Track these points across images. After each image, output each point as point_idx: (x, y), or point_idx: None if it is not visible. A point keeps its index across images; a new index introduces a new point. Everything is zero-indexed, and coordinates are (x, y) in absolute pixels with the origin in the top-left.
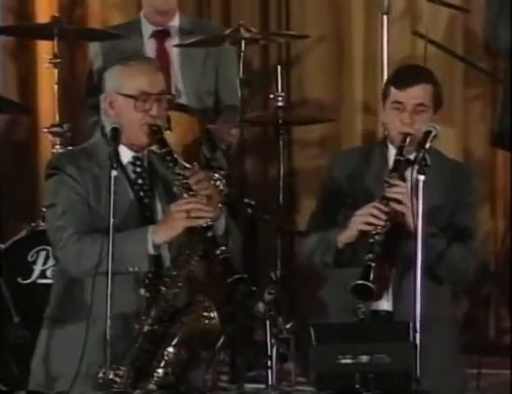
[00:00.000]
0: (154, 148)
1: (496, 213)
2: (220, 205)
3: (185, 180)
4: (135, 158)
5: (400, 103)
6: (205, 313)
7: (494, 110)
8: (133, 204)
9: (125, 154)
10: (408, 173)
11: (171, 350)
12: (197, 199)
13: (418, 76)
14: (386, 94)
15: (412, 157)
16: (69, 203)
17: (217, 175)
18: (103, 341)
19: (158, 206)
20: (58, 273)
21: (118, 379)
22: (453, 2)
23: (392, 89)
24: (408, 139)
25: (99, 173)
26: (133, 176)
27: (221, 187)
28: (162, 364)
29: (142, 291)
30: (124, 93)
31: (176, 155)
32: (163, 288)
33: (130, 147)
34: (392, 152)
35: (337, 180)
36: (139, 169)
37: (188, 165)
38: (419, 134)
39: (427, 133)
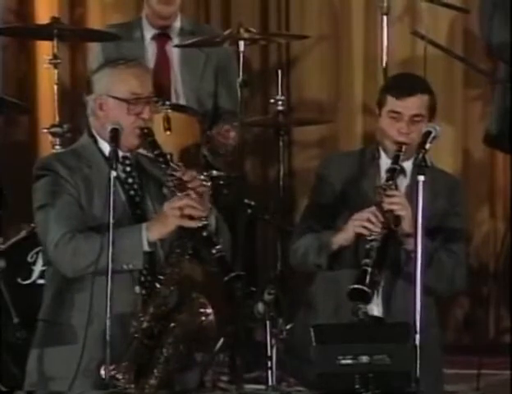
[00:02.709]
0: (141, 150)
1: (495, 214)
2: (209, 205)
3: (177, 181)
4: (124, 158)
5: (397, 112)
6: (201, 310)
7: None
8: (124, 203)
9: None
10: (398, 181)
11: (168, 346)
12: (190, 197)
13: (415, 86)
14: (382, 102)
15: (403, 165)
16: (61, 203)
17: (202, 176)
18: (102, 340)
19: (149, 204)
20: (51, 276)
21: (120, 376)
22: (453, 3)
23: (389, 98)
24: (404, 149)
25: (89, 173)
26: (123, 175)
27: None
28: (162, 360)
29: (137, 289)
30: (116, 96)
31: (167, 157)
32: (158, 285)
33: (120, 147)
34: (384, 159)
35: (329, 185)
36: (128, 168)
37: (175, 165)
38: (414, 143)
39: (427, 134)
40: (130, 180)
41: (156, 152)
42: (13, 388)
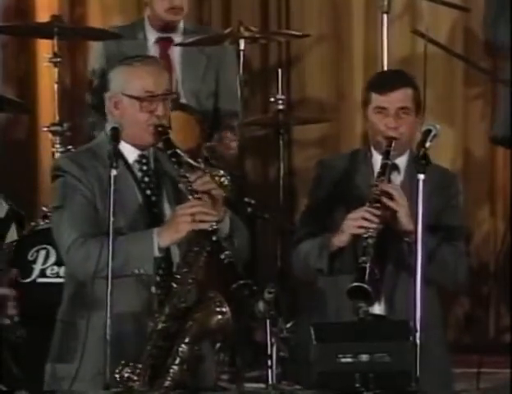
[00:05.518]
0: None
1: (495, 213)
2: (224, 207)
3: (190, 183)
4: (141, 157)
5: (383, 108)
6: (217, 309)
7: (494, 109)
8: (140, 203)
9: (131, 153)
10: (392, 177)
11: (185, 346)
12: (202, 203)
13: (397, 80)
14: (367, 101)
15: (396, 161)
16: (74, 205)
17: (221, 171)
18: (115, 341)
19: (166, 204)
20: (68, 275)
21: (135, 377)
22: (453, 1)
23: (374, 95)
24: (393, 143)
25: (104, 173)
26: (139, 174)
27: (226, 183)
28: (177, 360)
29: (153, 289)
30: (129, 94)
31: (182, 155)
32: (175, 285)
33: (136, 146)
34: (376, 157)
35: (325, 187)
36: (145, 167)
37: (194, 162)
38: (404, 138)
39: (427, 132)
40: (146, 180)
41: (169, 151)
42: (13, 388)
